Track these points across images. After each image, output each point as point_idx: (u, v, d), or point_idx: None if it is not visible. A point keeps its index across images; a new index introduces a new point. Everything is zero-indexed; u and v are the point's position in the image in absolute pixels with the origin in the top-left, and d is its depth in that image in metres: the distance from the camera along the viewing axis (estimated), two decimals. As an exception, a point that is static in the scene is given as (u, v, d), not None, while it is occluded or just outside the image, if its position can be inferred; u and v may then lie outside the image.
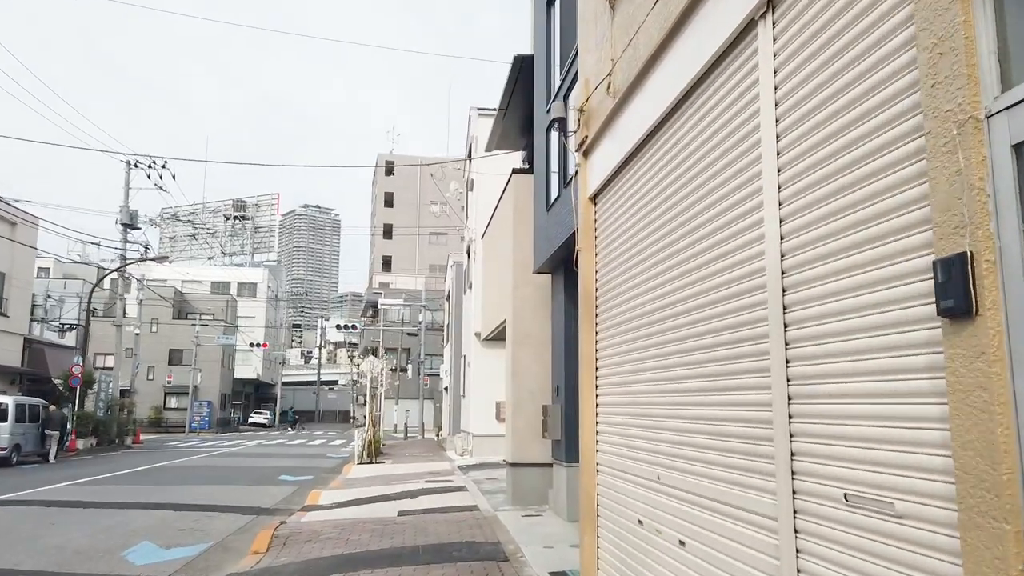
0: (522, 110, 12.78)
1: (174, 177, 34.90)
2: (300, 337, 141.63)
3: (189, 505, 12.56)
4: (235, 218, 78.73)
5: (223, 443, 36.30)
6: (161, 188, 34.41)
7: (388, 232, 69.62)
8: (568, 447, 9.11)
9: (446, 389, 32.57)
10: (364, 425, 22.82)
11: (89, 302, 29.42)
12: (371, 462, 20.78)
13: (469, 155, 23.46)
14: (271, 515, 11.63)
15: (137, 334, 36.38)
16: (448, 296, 30.00)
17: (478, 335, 20.96)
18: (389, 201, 70.34)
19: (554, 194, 8.94)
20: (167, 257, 30.31)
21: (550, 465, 10.14)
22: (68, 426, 25.67)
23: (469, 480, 14.68)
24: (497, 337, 15.19)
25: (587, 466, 5.41)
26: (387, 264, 68.80)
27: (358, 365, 23.96)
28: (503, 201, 12.01)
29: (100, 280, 31.22)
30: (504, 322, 12.80)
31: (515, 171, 10.99)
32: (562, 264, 9.49)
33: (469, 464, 18.86)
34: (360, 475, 17.60)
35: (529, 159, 12.17)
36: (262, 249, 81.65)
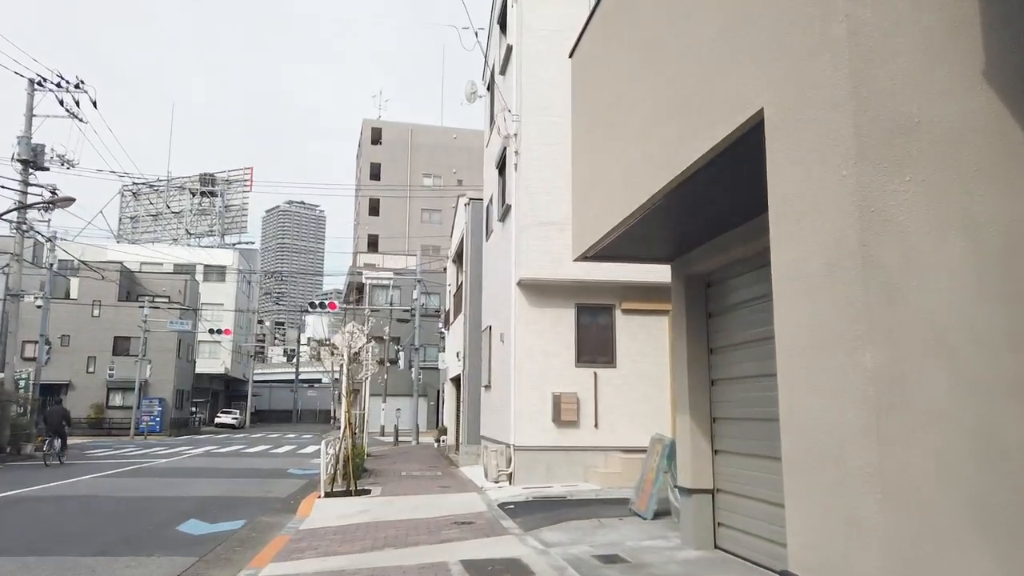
0: None
1: (95, 104, 26.69)
2: (283, 335, 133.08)
3: None
4: (202, 194, 69.97)
5: (163, 451, 28.18)
6: (76, 117, 26.26)
7: (375, 208, 61.37)
8: None
9: (453, 380, 24.53)
10: (341, 430, 14.84)
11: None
12: (348, 492, 12.77)
13: (502, 21, 15.47)
14: None
15: (39, 306, 28.07)
16: (460, 254, 21.99)
17: (522, 284, 12.99)
18: (375, 173, 62.07)
19: None
20: (73, 199, 22.06)
21: None
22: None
23: (558, 560, 6.72)
24: (604, 254, 7.28)
25: None
26: (373, 244, 60.52)
27: (324, 344, 15.94)
28: None
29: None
30: (656, 198, 4.93)
31: None
32: None
33: (517, 500, 10.91)
34: (327, 524, 9.62)
35: None
36: (233, 230, 72.92)
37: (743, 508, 6.50)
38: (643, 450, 12.47)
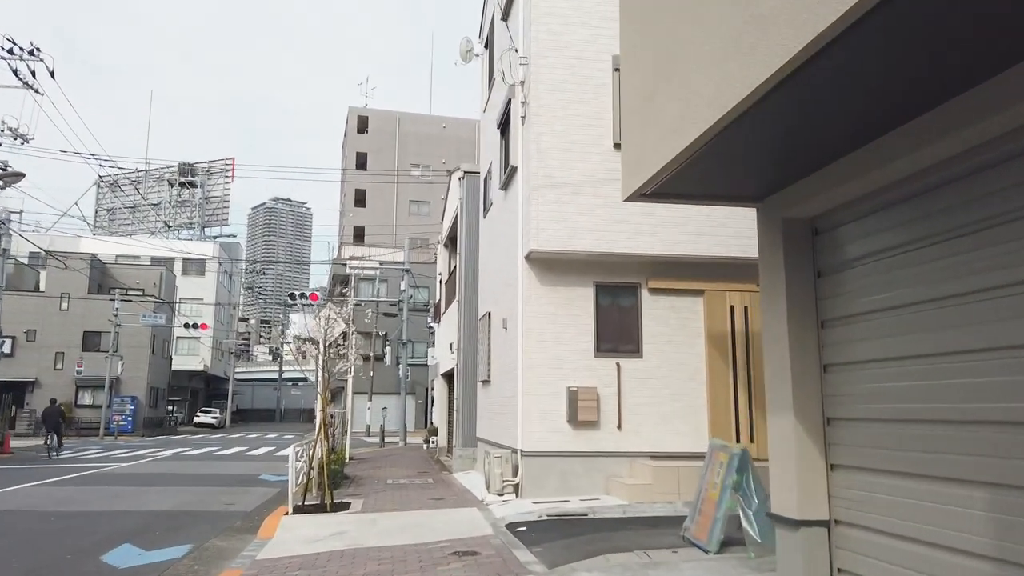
0: None
1: (52, 75, 24.36)
2: (269, 333, 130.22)
3: None
4: (182, 184, 67.31)
5: (127, 453, 25.90)
6: (31, 87, 23.94)
7: (361, 199, 59.05)
8: None
9: (445, 376, 22.46)
10: (316, 431, 12.74)
11: None
12: (322, 506, 10.68)
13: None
14: None
15: (-11, 296, 25.75)
16: (453, 237, 19.90)
17: (531, 259, 10.90)
18: (362, 163, 59.69)
19: None
20: (22, 174, 19.89)
21: None
22: None
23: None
24: (668, 191, 5.25)
25: None
26: (359, 236, 58.20)
27: (308, 341, 13.81)
28: None
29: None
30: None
31: None
32: None
33: (529, 519, 8.86)
34: (291, 552, 7.52)
35: None
36: (214, 222, 70.33)
37: (878, 549, 4.50)
38: (676, 456, 10.45)
